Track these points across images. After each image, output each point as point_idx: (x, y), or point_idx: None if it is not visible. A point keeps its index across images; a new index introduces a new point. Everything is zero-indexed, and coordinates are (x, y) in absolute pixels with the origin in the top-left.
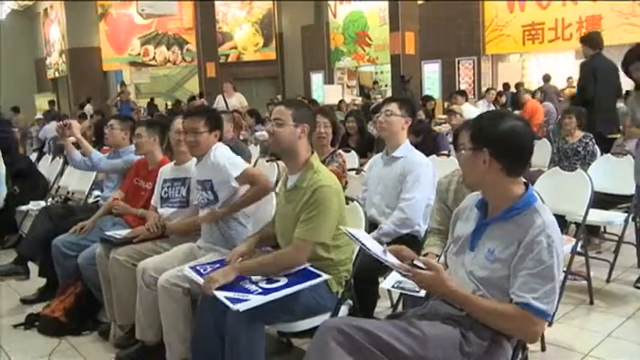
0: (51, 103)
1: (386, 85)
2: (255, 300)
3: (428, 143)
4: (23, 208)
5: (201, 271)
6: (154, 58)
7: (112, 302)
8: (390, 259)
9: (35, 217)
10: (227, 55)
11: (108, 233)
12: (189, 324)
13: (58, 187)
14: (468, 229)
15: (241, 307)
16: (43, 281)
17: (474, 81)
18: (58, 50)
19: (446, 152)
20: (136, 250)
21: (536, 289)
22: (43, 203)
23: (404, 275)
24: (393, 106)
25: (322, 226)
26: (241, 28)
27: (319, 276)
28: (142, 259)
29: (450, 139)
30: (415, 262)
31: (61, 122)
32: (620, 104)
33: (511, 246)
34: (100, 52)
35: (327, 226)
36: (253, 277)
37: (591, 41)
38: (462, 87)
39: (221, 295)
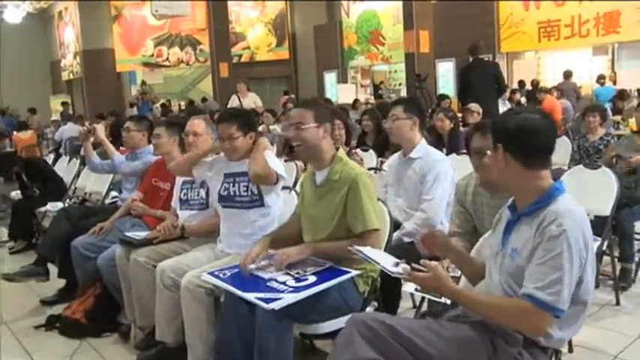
0: (64, 104)
1: (399, 84)
2: (288, 298)
3: (450, 142)
4: (41, 209)
5: (221, 275)
6: (167, 58)
7: (132, 304)
8: (398, 269)
9: (53, 219)
10: (240, 56)
11: (127, 234)
12: (211, 325)
13: (75, 188)
14: (501, 229)
15: (275, 305)
16: (62, 282)
17: None
18: (72, 52)
19: (465, 151)
20: (156, 252)
21: (541, 278)
22: (60, 204)
23: (408, 280)
24: (398, 110)
25: (373, 212)
26: (254, 29)
27: (347, 272)
28: (162, 260)
29: None
30: (414, 265)
31: (85, 127)
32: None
33: (530, 241)
34: (114, 54)
35: (376, 209)
36: (280, 277)
37: (471, 50)
38: None
39: (251, 296)
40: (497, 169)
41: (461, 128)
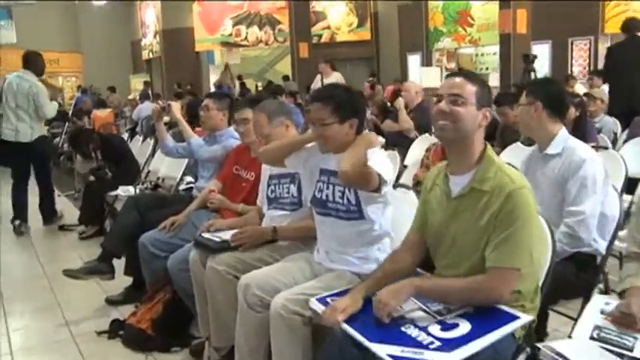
0: (146, 83)
1: (487, 69)
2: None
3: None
4: (112, 193)
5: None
6: (245, 38)
7: (206, 317)
8: None
9: (122, 209)
10: (320, 36)
11: (205, 235)
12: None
13: (148, 171)
14: None
15: None
16: (129, 279)
17: (589, 63)
18: (152, 32)
19: (594, 144)
20: (239, 259)
21: None
22: (132, 189)
23: None
24: (522, 95)
25: (526, 246)
26: (335, 8)
27: (515, 317)
28: (246, 271)
29: None
30: None
31: (158, 104)
32: None
33: None
34: (193, 33)
35: (531, 243)
36: (419, 321)
37: (625, 26)
38: (575, 70)
39: (382, 351)
40: None
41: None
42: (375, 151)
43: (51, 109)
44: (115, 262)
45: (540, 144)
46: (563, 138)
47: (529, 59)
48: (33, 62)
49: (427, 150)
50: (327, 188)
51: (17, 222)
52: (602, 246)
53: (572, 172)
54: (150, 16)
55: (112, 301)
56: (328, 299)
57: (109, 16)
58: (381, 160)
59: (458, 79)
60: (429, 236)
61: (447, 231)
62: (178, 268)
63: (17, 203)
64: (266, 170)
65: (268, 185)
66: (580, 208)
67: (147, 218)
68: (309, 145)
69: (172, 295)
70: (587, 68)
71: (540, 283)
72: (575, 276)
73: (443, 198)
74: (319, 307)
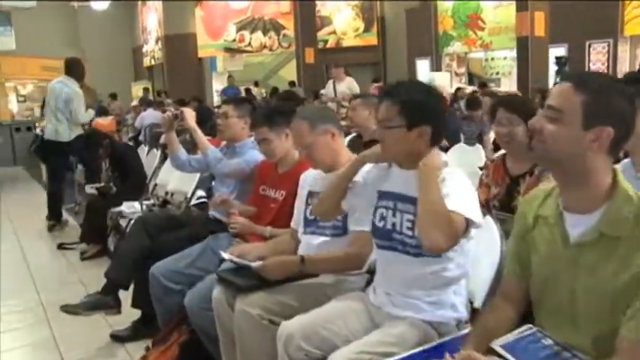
0: (145, 90)
1: (497, 73)
2: None
3: None
4: (115, 209)
5: None
6: (249, 44)
7: None
8: None
9: (129, 231)
10: (325, 41)
11: (226, 257)
12: None
13: (155, 184)
14: None
15: None
16: (137, 311)
17: (607, 67)
18: (154, 38)
19: None
20: (276, 300)
21: None
22: (137, 205)
23: None
24: None
25: None
26: (341, 12)
27: None
28: (285, 315)
29: None
30: None
31: (170, 112)
32: None
33: None
34: (196, 39)
35: None
36: None
37: None
38: None
39: None
40: None
41: None
42: (453, 182)
43: (85, 115)
44: (122, 291)
45: (638, 160)
46: None
47: (561, 61)
48: (73, 68)
49: (485, 167)
50: (394, 216)
51: (51, 222)
52: None
53: None
54: (152, 22)
55: (118, 337)
56: None
57: (110, 22)
58: (463, 194)
59: (562, 86)
60: (532, 282)
61: (559, 282)
62: (199, 307)
63: (51, 200)
64: (305, 185)
65: (308, 204)
66: None
67: (157, 242)
68: (362, 173)
69: (190, 335)
70: (606, 72)
71: None
72: None
73: (556, 239)
74: None
